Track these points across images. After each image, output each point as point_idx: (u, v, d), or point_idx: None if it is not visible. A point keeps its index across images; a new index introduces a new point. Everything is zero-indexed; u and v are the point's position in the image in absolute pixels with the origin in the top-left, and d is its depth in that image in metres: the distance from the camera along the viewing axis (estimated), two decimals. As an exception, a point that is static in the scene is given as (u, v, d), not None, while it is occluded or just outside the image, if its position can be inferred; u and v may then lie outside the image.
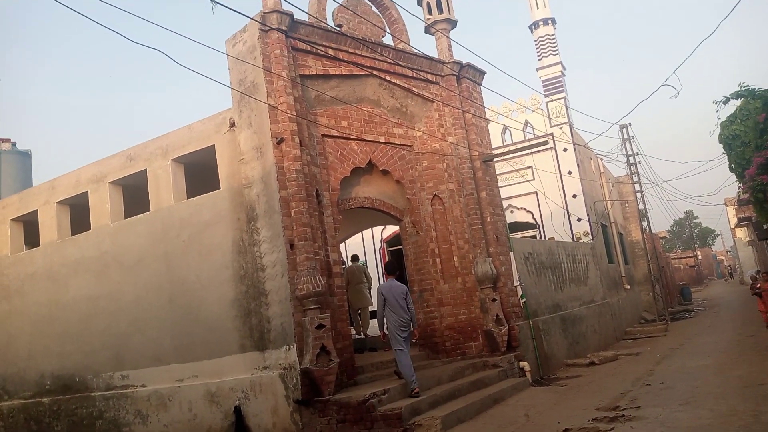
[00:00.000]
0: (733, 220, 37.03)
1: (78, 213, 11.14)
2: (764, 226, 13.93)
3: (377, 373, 9.30)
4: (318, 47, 9.35)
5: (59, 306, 10.86)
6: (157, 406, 9.25)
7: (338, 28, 9.85)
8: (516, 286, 11.39)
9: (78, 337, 10.50)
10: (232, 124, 8.99)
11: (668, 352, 13.69)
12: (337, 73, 9.64)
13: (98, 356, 10.17)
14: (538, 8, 21.17)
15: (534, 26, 21.24)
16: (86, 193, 10.78)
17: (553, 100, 20.03)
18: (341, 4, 10.05)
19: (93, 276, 10.47)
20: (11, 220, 11.97)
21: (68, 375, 10.53)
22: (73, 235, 11.12)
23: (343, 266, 12.28)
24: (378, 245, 20.19)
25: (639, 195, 23.60)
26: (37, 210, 11.49)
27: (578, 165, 19.26)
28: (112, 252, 10.27)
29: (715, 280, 67.98)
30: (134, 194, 10.43)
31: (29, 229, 12.01)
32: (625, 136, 22.87)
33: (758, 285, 15.57)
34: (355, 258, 14.07)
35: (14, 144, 19.80)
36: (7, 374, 11.34)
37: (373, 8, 10.89)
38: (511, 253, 11.51)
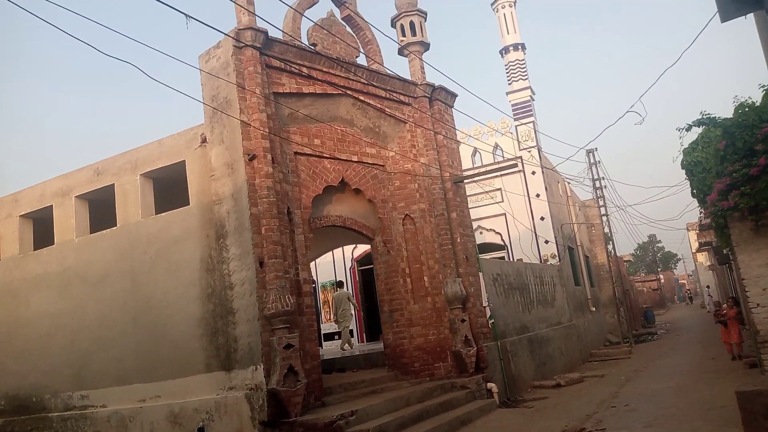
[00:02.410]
0: (695, 245, 38.01)
1: (41, 227, 10.86)
2: (724, 251, 14.27)
3: (345, 394, 9.21)
4: (292, 65, 9.38)
5: (19, 323, 10.51)
6: (117, 428, 8.98)
7: (312, 47, 9.91)
8: (485, 307, 11.46)
9: (37, 355, 10.16)
10: (204, 140, 8.91)
11: (633, 374, 13.90)
12: (311, 91, 9.67)
13: (58, 375, 9.85)
14: (508, 33, 21.62)
15: (504, 51, 21.67)
16: (51, 207, 10.53)
17: (522, 124, 20.40)
18: (316, 24, 10.12)
19: (55, 292, 10.19)
20: (-30, 233, 11.58)
21: (25, 395, 10.16)
22: (35, 249, 10.82)
23: (313, 285, 12.45)
24: (349, 264, 20.11)
25: (605, 218, 24.09)
26: (-3, 223, 11.16)
27: (546, 188, 19.60)
28: (75, 268, 10.02)
29: (677, 303, 69.47)
30: (101, 209, 10.22)
31: (-12, 242, 11.64)
32: (592, 161, 23.40)
33: (723, 312, 14.52)
34: (340, 284, 16.66)
35: (-25, 155, 19.25)
36: (-41, 393, 10.88)
37: (348, 29, 11.00)
38: (480, 274, 11.60)
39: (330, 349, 18.15)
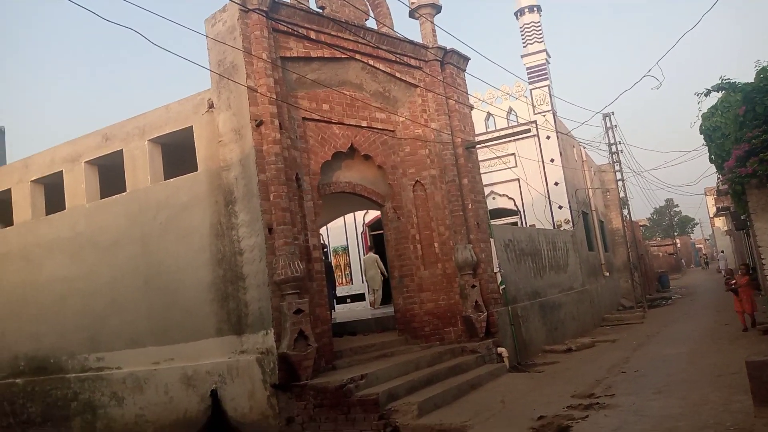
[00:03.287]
0: (712, 210, 37.52)
1: (53, 192, 10.93)
2: (742, 217, 14.03)
3: (356, 358, 9.30)
4: (299, 29, 9.20)
5: (33, 287, 10.69)
6: (132, 389, 9.18)
7: (320, 10, 9.69)
8: (495, 273, 11.43)
9: (53, 318, 10.36)
10: (211, 106, 8.83)
11: (645, 340, 13.89)
12: (319, 55, 9.50)
13: (73, 338, 10.05)
14: (524, -6, 21.03)
15: (519, 13, 21.14)
16: (61, 172, 10.57)
17: (537, 88, 20.03)
18: (324, -15, 9.87)
19: (68, 257, 10.31)
20: (-17, 198, 11.71)
21: (42, 356, 10.40)
22: (47, 214, 10.92)
23: (325, 249, 12.57)
24: (360, 229, 20.14)
25: (620, 183, 23.77)
26: (10, 189, 11.26)
27: (561, 153, 19.33)
28: (87, 233, 10.11)
29: (693, 268, 69.05)
30: (110, 174, 10.25)
31: (2, 207, 11.77)
32: (608, 125, 22.97)
33: (733, 281, 13.74)
34: (371, 248, 17.41)
35: (-11, 120, 19.33)
36: (-21, 355, 11.17)
37: (357, -10, 10.71)
38: (492, 240, 11.54)
39: (341, 312, 18.37)
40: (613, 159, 23.45)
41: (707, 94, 11.45)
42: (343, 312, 18.39)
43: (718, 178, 15.13)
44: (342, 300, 19.68)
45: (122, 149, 9.81)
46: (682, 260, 64.40)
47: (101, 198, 10.22)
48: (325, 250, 16.39)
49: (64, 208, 10.50)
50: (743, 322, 13.07)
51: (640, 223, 40.50)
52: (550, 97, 19.87)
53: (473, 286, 10.55)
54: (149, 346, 9.18)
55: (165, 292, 9.12)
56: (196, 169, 9.00)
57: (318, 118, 9.56)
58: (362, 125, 10.29)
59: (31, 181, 10.99)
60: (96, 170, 10.40)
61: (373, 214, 18.37)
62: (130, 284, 9.48)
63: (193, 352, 8.71)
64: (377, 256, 16.37)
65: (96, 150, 10.18)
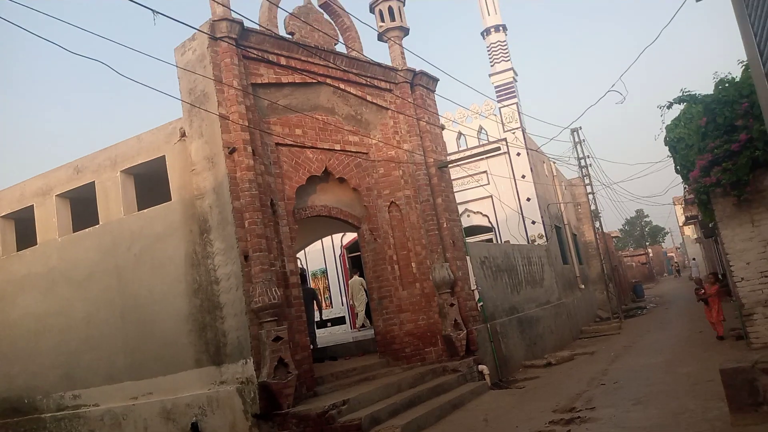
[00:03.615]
0: (682, 219, 38.35)
1: (23, 227, 10.74)
2: (709, 225, 14.38)
3: (337, 383, 9.24)
4: (270, 55, 9.27)
5: (5, 325, 10.44)
6: (111, 426, 8.98)
7: (290, 36, 9.79)
8: (473, 290, 11.52)
9: (26, 356, 10.11)
10: (183, 134, 8.81)
11: (622, 350, 14.06)
12: (290, 81, 9.57)
13: (48, 376, 9.81)
14: (489, 15, 21.53)
15: (486, 33, 21.59)
16: (32, 206, 10.40)
17: (505, 106, 20.39)
18: (292, 13, 9.99)
19: (41, 292, 10.11)
20: (-50, 236, 11.44)
21: (16, 396, 10.13)
22: (18, 250, 10.71)
23: (303, 273, 12.40)
24: (338, 252, 20.12)
25: (591, 196, 24.21)
26: (-22, 225, 11.02)
27: (531, 169, 19.65)
28: (60, 267, 9.93)
29: (666, 276, 70.23)
30: (83, 207, 10.12)
31: (-30, 245, 11.50)
32: (576, 140, 23.44)
33: (702, 291, 13.58)
34: (355, 271, 17.28)
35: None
36: (-52, 398, 10.82)
37: (326, 16, 10.87)
38: (468, 258, 11.64)
39: (322, 336, 18.21)
40: (582, 173, 23.91)
41: (669, 106, 11.78)
42: (323, 336, 18.25)
43: (685, 188, 15.52)
44: (322, 324, 19.55)
45: (94, 181, 9.70)
46: (655, 269, 65.50)
47: (74, 231, 10.06)
48: (304, 274, 16.18)
49: (36, 243, 10.32)
50: (718, 331, 12.88)
51: (612, 235, 41.20)
52: (519, 114, 20.24)
53: (452, 305, 10.61)
54: (126, 381, 9.00)
55: (141, 324, 8.98)
56: (170, 199, 8.94)
57: (291, 143, 9.61)
58: (336, 149, 10.36)
59: (1, 217, 10.79)
60: (68, 203, 10.25)
61: (351, 235, 18.38)
62: (106, 318, 9.32)
63: (172, 385, 8.56)
64: (362, 278, 16.23)
65: (67, 183, 10.05)
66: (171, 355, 8.61)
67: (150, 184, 9.62)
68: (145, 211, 9.25)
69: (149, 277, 8.98)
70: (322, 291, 20.32)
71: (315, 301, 13.50)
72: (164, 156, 9.06)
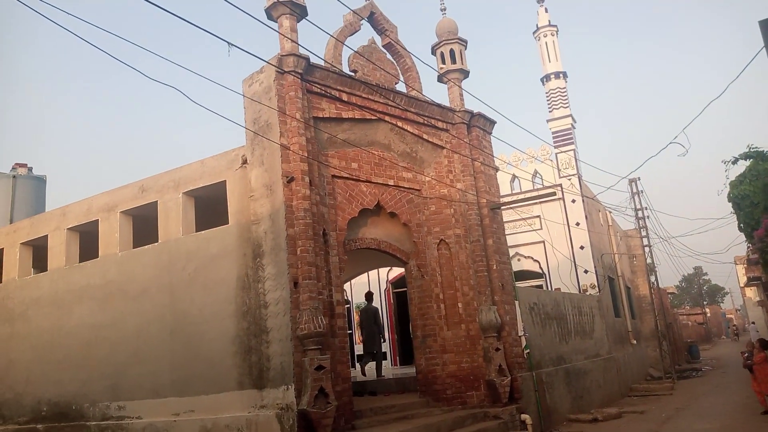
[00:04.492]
0: (743, 279, 36.61)
1: (87, 240, 11.25)
2: (773, 287, 13.69)
3: (376, 419, 9.16)
4: (332, 90, 9.57)
5: (61, 332, 10.86)
6: (151, 440, 9.13)
7: (353, 74, 10.10)
8: (520, 336, 11.27)
9: (77, 364, 10.46)
10: (244, 161, 9.13)
11: (674, 413, 13.40)
12: (350, 116, 9.83)
13: (96, 385, 10.10)
14: (549, 62, 21.59)
15: (546, 79, 21.62)
16: (97, 221, 10.91)
17: (562, 152, 20.23)
18: (357, 51, 10.32)
19: (97, 304, 10.50)
20: (21, 243, 12.10)
21: (65, 402, 10.45)
22: (80, 262, 11.21)
23: (347, 305, 12.45)
24: (384, 286, 20.13)
25: (647, 249, 23.50)
26: (47, 235, 11.62)
27: (586, 217, 19.29)
28: (117, 281, 10.32)
29: (723, 338, 66.80)
30: (144, 225, 10.54)
31: (38, 253, 12.13)
32: (634, 190, 22.94)
33: (748, 356, 12.74)
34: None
35: (30, 169, 20.10)
36: (4, 399, 11.27)
37: (388, 56, 11.17)
38: (516, 303, 11.45)
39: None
40: (639, 224, 23.29)
41: (735, 162, 11.48)
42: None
43: (748, 247, 14.91)
44: (362, 358, 19.45)
45: (157, 201, 10.12)
46: (712, 330, 62.39)
47: (134, 247, 10.48)
48: (348, 306, 15.76)
49: (97, 256, 10.78)
50: (762, 403, 12.00)
51: (668, 291, 39.65)
52: (576, 160, 20.02)
53: (497, 349, 10.41)
54: (170, 396, 9.18)
55: (189, 342, 9.19)
56: (227, 222, 9.22)
57: (347, 176, 9.81)
58: (389, 183, 10.50)
59: (67, 229, 11.34)
60: (130, 220, 10.71)
61: (397, 271, 18.38)
62: (156, 334, 9.59)
63: (214, 405, 8.67)
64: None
65: (132, 201, 10.53)
66: (215, 375, 8.74)
67: (209, 206, 9.96)
68: (203, 232, 9.56)
69: (201, 296, 9.22)
70: (358, 320, 20.27)
71: (376, 321, 13.43)
72: (225, 181, 9.38)
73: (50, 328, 11.03)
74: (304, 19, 9.23)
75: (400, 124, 10.60)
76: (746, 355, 13.01)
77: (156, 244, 10.04)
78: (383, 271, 19.28)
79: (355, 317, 19.96)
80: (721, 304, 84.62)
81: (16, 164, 19.92)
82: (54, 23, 4.74)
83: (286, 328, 8.05)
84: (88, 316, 10.56)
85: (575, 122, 21.04)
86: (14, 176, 19.00)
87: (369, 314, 13.91)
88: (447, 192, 11.15)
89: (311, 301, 8.12)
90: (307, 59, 8.98)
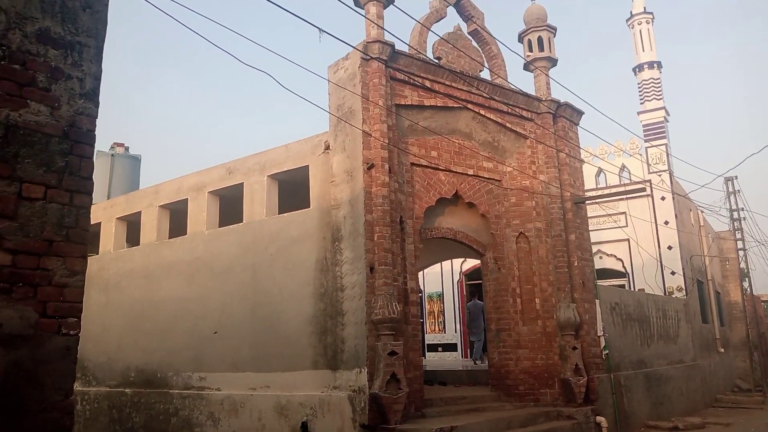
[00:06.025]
0: None
1: (177, 218, 11.83)
2: None
3: (446, 408, 9.14)
4: (415, 78, 9.53)
5: (151, 304, 11.50)
6: (229, 411, 9.54)
7: (437, 61, 10.00)
8: (599, 336, 10.88)
9: (164, 335, 11.06)
10: (327, 147, 9.28)
11: (764, 428, 12.56)
12: (432, 104, 9.76)
13: (180, 356, 10.65)
14: (643, 51, 20.56)
15: (638, 69, 20.61)
16: (186, 200, 11.44)
17: (653, 146, 19.24)
18: (442, 38, 10.20)
19: (184, 279, 11.04)
20: (117, 218, 12.88)
21: (151, 370, 11.09)
22: (170, 238, 11.80)
23: (420, 295, 12.53)
24: (457, 277, 19.99)
25: (741, 253, 22.03)
26: (140, 212, 12.30)
27: (676, 215, 18.30)
28: (204, 258, 10.80)
29: (824, 354, 61.95)
30: (230, 205, 10.96)
31: (132, 228, 12.87)
32: (730, 189, 21.51)
33: None
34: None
35: (127, 148, 21.35)
36: (97, 362, 12.09)
37: (473, 43, 10.99)
38: (597, 301, 11.05)
39: (432, 360, 18.14)
40: (734, 226, 21.83)
41: None
42: (433, 360, 18.17)
43: None
44: (433, 348, 19.48)
45: (243, 182, 10.48)
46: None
47: (219, 226, 10.92)
48: (420, 295, 15.98)
49: (186, 233, 11.31)
50: None
51: (762, 298, 37.02)
52: (667, 156, 19.01)
53: (574, 348, 10.11)
54: (248, 371, 9.54)
55: (268, 320, 9.50)
56: (308, 206, 9.43)
57: (426, 164, 9.76)
58: (468, 173, 10.37)
59: (159, 206, 11.97)
60: (217, 200, 11.16)
61: (471, 263, 18.21)
62: (238, 310, 9.97)
63: (288, 382, 8.95)
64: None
65: (219, 181, 10.96)
66: (291, 353, 9.00)
67: (292, 190, 10.21)
68: (285, 215, 9.83)
69: (281, 276, 9.50)
70: (436, 314, 20.26)
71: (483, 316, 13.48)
72: (308, 166, 9.59)
73: (141, 299, 11.71)
74: (390, 5, 9.23)
75: (483, 112, 10.41)
76: None
77: (240, 224, 10.42)
78: (456, 262, 19.13)
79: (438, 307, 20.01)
80: (823, 317, 78.30)
81: (115, 143, 21.21)
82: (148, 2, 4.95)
83: (362, 311, 8.16)
84: (175, 290, 11.12)
85: (668, 115, 19.95)
86: (112, 155, 20.25)
87: (477, 308, 15.28)
88: (529, 183, 10.88)
89: (386, 287, 8.17)
90: (392, 46, 8.98)
